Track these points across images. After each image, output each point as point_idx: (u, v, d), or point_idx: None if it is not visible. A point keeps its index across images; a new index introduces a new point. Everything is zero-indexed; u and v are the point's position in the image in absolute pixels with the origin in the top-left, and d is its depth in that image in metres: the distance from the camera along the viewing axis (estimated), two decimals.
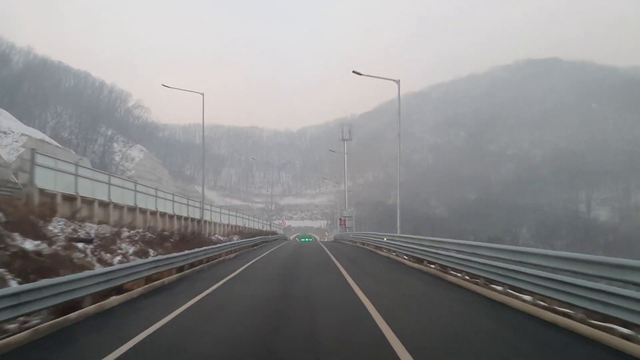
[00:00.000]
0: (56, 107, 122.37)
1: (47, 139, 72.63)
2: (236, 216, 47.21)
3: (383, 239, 25.71)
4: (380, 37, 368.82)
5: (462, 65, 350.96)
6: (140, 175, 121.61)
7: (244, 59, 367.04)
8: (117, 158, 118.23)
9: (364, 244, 33.33)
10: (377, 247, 27.74)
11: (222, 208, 42.97)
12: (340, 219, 58.87)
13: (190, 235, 25.39)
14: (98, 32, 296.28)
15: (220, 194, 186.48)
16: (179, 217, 30.41)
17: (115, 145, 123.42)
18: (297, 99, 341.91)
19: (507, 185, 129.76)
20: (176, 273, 14.81)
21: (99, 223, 19.49)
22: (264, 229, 60.05)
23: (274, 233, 58.29)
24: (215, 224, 37.63)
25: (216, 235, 33.76)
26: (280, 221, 77.66)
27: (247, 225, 51.78)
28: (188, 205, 33.01)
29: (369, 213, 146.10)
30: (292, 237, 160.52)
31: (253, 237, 38.53)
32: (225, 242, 27.54)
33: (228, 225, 42.44)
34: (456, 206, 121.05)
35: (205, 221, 32.12)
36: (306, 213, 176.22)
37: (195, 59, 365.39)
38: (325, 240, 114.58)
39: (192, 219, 33.23)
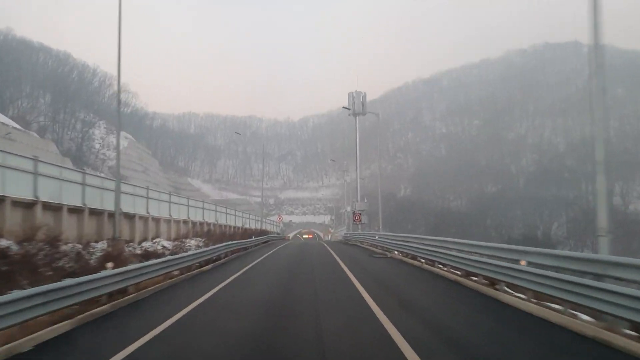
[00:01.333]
0: (32, 91, 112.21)
1: (7, 120, 62.75)
2: (203, 209, 36.23)
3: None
4: (388, 22, 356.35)
5: (474, 51, 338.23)
6: (124, 165, 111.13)
7: (243, 46, 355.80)
8: (97, 145, 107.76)
9: (406, 255, 20.09)
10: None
11: (172, 195, 30.88)
12: (354, 214, 48.18)
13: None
14: (83, 12, 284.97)
15: (216, 187, 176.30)
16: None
17: (96, 131, 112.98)
18: (299, 87, 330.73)
19: (530, 177, 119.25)
20: None
21: None
22: (252, 226, 49.41)
23: (265, 232, 47.16)
24: (160, 220, 26.62)
25: (158, 241, 23.05)
26: (277, 217, 67.25)
27: (224, 222, 40.98)
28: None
29: (377, 207, 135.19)
30: (291, 235, 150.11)
31: (217, 243, 22.60)
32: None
33: (190, 223, 31.50)
34: (475, 199, 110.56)
35: (121, 214, 18.44)
36: (308, 207, 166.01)
37: (191, 46, 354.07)
38: (329, 238, 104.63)
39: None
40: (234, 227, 42.35)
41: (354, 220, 47.11)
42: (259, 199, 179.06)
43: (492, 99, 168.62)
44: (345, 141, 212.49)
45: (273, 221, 67.94)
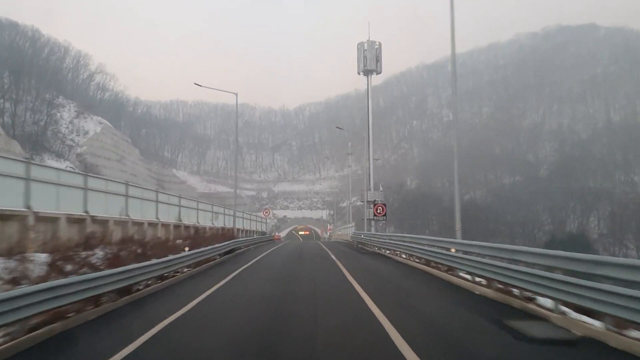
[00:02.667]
0: None
1: None
2: (157, 202, 24.86)
3: None
4: (388, 6, 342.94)
5: (481, 34, 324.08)
6: (95, 153, 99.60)
7: (236, 32, 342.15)
8: (63, 130, 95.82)
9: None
10: None
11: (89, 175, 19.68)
12: (375, 206, 36.22)
13: None
14: None
15: (204, 179, 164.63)
16: None
17: (65, 114, 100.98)
18: (295, 74, 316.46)
19: (552, 167, 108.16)
20: None
21: None
22: (229, 225, 37.86)
23: (233, 237, 30.15)
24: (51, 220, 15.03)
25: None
26: (264, 211, 54.99)
27: (193, 222, 29.61)
28: None
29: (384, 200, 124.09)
30: (285, 233, 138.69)
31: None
32: None
33: (129, 223, 20.14)
34: (492, 192, 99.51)
35: None
36: (304, 202, 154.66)
37: (180, 29, 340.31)
38: (327, 236, 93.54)
39: None
40: (200, 228, 30.82)
41: (376, 215, 35.30)
42: (251, 192, 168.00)
43: (504, 85, 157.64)
44: (344, 130, 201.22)
45: (260, 218, 56.37)
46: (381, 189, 38.31)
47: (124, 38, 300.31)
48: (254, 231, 45.90)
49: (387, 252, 23.54)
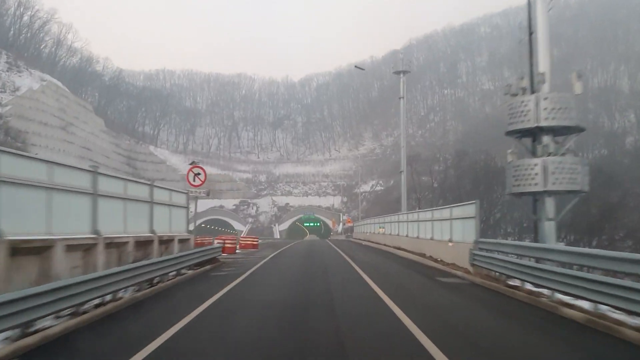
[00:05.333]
0: None
1: None
2: None
3: None
4: None
5: None
6: (24, 115, 74.36)
7: None
8: None
9: None
10: None
11: None
12: None
13: None
14: None
15: (190, 159, 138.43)
16: None
17: None
18: (300, 40, 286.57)
19: None
20: None
21: None
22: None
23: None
24: None
25: None
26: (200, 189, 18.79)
27: None
28: None
29: (409, 185, 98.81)
30: (285, 227, 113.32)
31: None
32: None
33: None
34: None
35: None
36: (311, 186, 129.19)
37: None
38: (342, 231, 69.13)
39: None
40: None
41: None
42: (246, 175, 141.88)
43: (559, 41, 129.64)
44: (358, 103, 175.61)
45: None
46: None
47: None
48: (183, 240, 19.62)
49: None
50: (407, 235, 23.36)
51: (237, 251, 24.36)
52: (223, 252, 19.46)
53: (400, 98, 34.21)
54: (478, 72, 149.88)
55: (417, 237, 20.52)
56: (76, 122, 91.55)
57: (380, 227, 28.32)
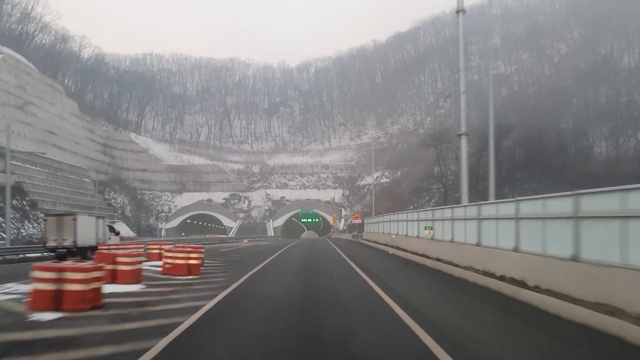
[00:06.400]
0: None
1: None
2: None
3: None
4: None
5: None
6: None
7: None
8: None
9: None
10: None
11: None
12: None
13: None
14: None
15: (176, 148, 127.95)
16: None
17: None
18: (297, 23, 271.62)
19: None
20: None
21: None
22: None
23: None
24: None
25: None
26: None
27: None
28: None
29: (419, 174, 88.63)
30: (280, 223, 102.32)
31: None
32: None
33: None
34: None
35: None
36: (309, 178, 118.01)
37: None
38: (344, 227, 57.99)
39: None
40: None
41: None
42: (238, 166, 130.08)
43: (568, 27, 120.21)
44: (361, 89, 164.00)
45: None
46: None
47: None
48: None
49: None
50: (478, 244, 12.55)
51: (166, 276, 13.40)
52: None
53: (457, 12, 23.29)
54: (490, 56, 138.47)
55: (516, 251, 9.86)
56: (40, 102, 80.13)
57: (427, 229, 17.22)
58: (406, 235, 22.00)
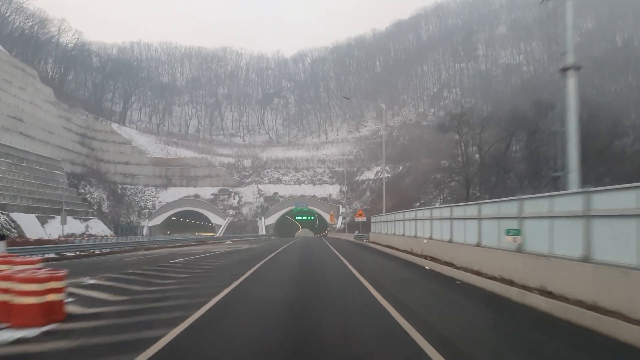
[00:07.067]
0: None
1: None
2: None
3: None
4: None
5: None
6: None
7: None
8: None
9: None
10: None
11: None
12: None
13: None
14: None
15: (162, 140, 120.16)
16: None
17: None
18: (293, 12, 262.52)
19: None
20: None
21: None
22: None
23: None
24: None
25: None
26: None
27: None
28: None
29: (424, 168, 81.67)
30: (272, 221, 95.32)
31: None
32: None
33: None
34: None
35: None
36: (304, 173, 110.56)
37: None
38: (339, 225, 50.67)
39: None
40: None
41: None
42: (229, 159, 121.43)
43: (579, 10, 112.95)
44: (360, 80, 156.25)
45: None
46: None
47: None
48: None
49: None
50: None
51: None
52: None
53: None
54: (497, 44, 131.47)
55: None
56: (6, 86, 72.44)
57: (510, 234, 9.96)
58: (450, 241, 14.70)
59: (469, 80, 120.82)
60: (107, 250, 30.37)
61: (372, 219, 35.10)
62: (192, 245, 41.41)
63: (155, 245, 36.51)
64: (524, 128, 34.71)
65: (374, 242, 30.31)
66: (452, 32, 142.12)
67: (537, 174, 33.95)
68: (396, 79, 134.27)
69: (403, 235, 21.71)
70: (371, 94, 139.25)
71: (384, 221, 28.11)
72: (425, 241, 16.91)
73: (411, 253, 18.57)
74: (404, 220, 21.93)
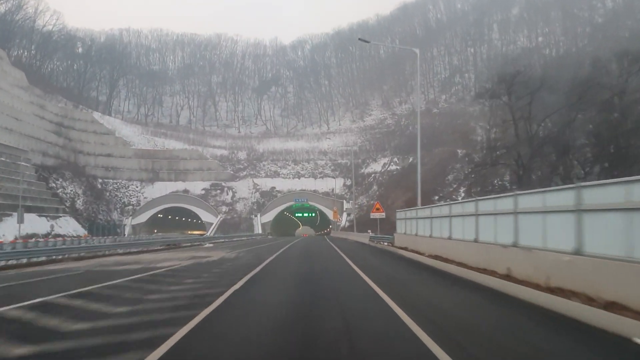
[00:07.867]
0: None
1: None
2: None
3: None
4: None
5: None
6: None
7: None
8: None
9: None
10: None
11: None
12: None
13: None
14: None
15: (149, 131, 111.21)
16: None
17: None
18: None
19: None
20: None
21: None
22: None
23: None
24: None
25: None
26: None
27: None
28: None
29: (440, 158, 73.52)
30: (269, 218, 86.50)
31: None
32: None
33: None
34: None
35: None
36: (304, 165, 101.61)
37: None
38: (343, 223, 40.40)
39: None
40: None
41: None
42: (222, 151, 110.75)
43: None
44: (364, 66, 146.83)
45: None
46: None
47: None
48: None
49: None
50: None
51: None
52: None
53: None
54: (512, 29, 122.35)
55: None
56: None
57: None
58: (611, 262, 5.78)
59: (484, 63, 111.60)
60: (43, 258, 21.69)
61: (398, 215, 26.11)
62: (148, 252, 29.96)
63: (105, 253, 27.15)
64: (601, 91, 25.83)
65: (405, 249, 21.39)
66: (461, 16, 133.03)
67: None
68: (403, 63, 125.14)
69: (475, 241, 12.84)
70: (376, 80, 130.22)
71: (424, 217, 19.17)
72: (567, 258, 7.94)
73: (509, 278, 9.70)
74: (476, 214, 13.05)
